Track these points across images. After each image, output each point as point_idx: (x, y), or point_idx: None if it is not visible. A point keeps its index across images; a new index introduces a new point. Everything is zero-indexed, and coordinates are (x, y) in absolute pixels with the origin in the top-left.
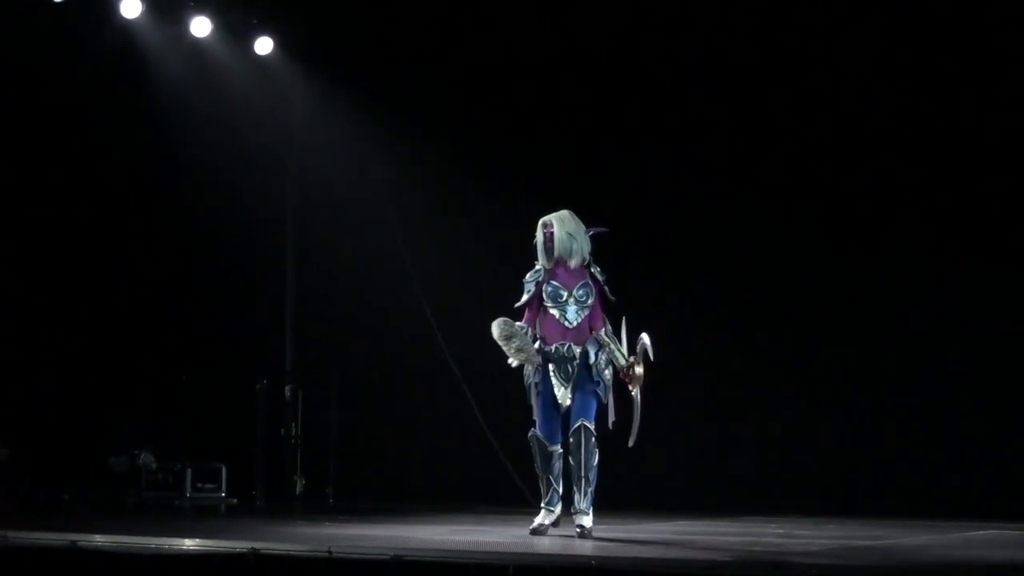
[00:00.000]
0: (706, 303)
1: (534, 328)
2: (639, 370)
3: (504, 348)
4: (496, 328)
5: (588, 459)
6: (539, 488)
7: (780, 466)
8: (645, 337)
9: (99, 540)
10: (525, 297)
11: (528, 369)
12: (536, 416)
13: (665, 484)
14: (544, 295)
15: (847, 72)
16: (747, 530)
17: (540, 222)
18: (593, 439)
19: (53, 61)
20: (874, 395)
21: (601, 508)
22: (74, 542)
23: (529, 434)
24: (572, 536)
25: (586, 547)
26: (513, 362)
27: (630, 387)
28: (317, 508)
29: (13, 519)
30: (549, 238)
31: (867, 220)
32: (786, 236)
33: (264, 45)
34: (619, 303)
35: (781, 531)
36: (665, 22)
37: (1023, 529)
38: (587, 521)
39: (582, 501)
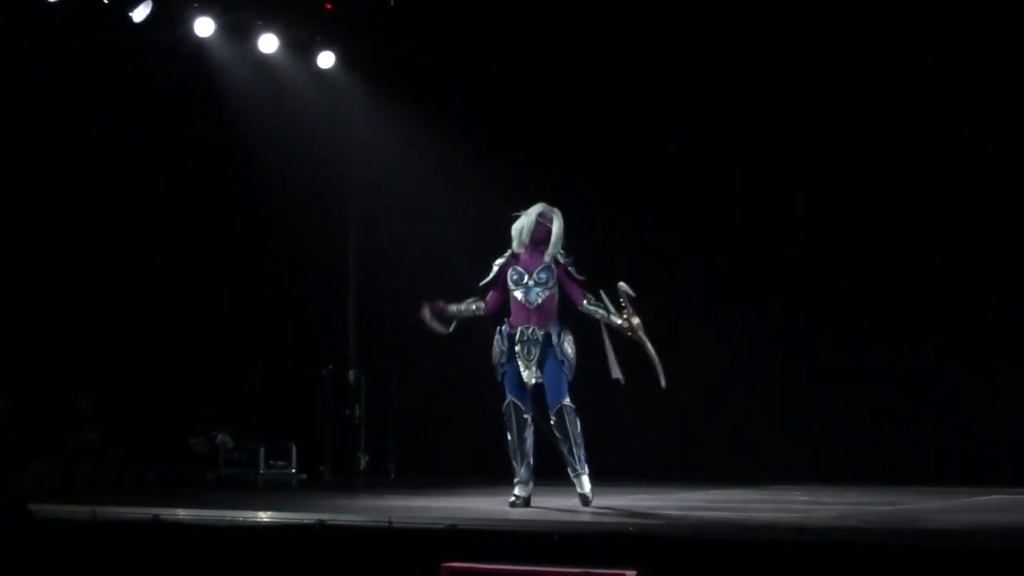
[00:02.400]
0: (726, 275)
1: (487, 306)
2: (635, 320)
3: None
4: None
5: (574, 431)
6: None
7: (804, 437)
8: (622, 284)
9: (180, 514)
10: (488, 278)
11: (495, 350)
12: (507, 393)
13: (692, 455)
14: (508, 279)
15: (828, 57)
16: (773, 497)
17: (537, 211)
18: (573, 413)
19: (129, 77)
20: (890, 370)
21: (629, 478)
22: (157, 516)
23: (504, 404)
24: (575, 505)
25: (621, 515)
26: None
27: (636, 336)
28: (379, 483)
29: (102, 496)
30: (543, 229)
31: (870, 193)
32: (796, 208)
33: (326, 59)
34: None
35: (805, 498)
36: (665, 17)
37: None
38: (587, 486)
39: (578, 464)
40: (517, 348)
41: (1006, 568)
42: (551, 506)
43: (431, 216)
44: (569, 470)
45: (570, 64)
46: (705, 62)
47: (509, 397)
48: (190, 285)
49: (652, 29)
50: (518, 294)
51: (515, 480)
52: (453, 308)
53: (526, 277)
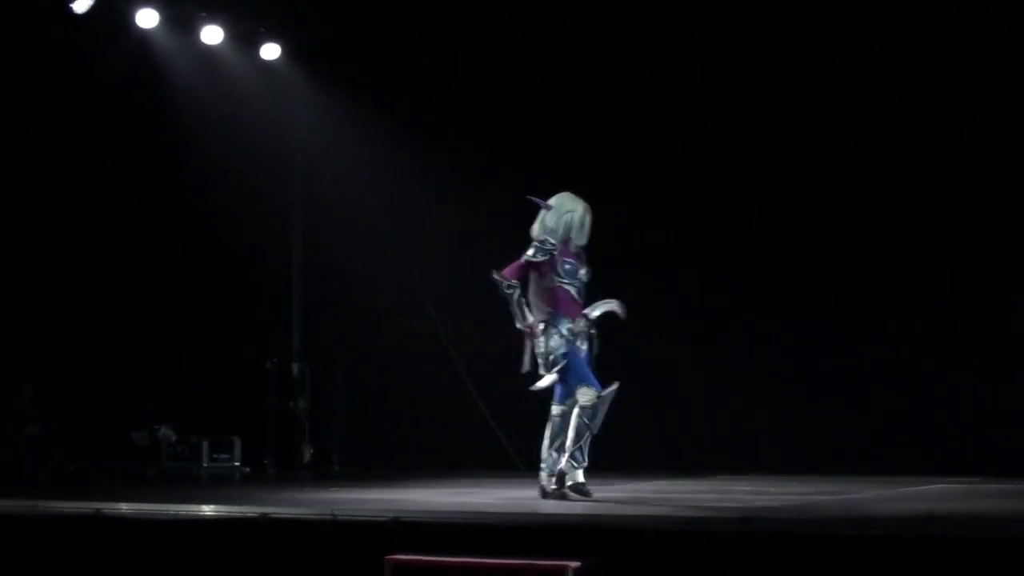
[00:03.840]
0: (669, 269)
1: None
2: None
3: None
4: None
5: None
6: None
7: (747, 429)
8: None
9: (123, 508)
10: (541, 257)
11: (554, 343)
12: (585, 379)
13: (635, 446)
14: (560, 270)
15: (827, 58)
16: (717, 488)
17: (583, 203)
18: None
19: (73, 69)
20: (832, 361)
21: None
22: (99, 510)
23: (597, 396)
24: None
25: (570, 507)
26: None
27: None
28: (323, 476)
29: (44, 489)
30: (583, 222)
31: (827, 190)
32: (752, 207)
33: (271, 51)
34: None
35: (749, 488)
36: (657, 16)
37: (967, 483)
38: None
39: (586, 456)
40: (576, 341)
41: (948, 555)
42: (497, 498)
43: (376, 208)
44: (573, 461)
45: (521, 55)
46: (687, 51)
47: (596, 392)
48: (133, 278)
49: (605, 16)
50: (571, 288)
51: (583, 464)
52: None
53: (580, 271)
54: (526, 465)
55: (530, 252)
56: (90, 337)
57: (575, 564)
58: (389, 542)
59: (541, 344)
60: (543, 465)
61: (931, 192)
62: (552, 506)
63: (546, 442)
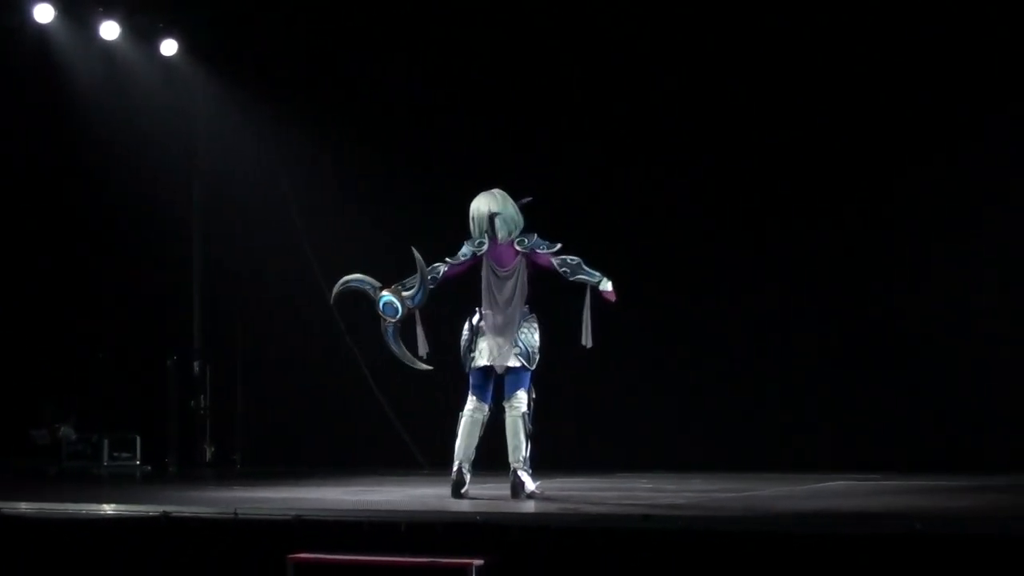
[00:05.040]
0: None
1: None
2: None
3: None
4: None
5: None
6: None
7: (647, 425)
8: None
9: (22, 507)
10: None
11: (537, 339)
12: (525, 384)
13: (537, 444)
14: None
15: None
16: (618, 485)
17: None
18: None
19: None
20: (734, 358)
21: (480, 467)
22: None
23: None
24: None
25: (467, 505)
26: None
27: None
28: (225, 474)
29: None
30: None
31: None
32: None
33: (169, 47)
34: None
35: (650, 485)
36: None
37: (872, 480)
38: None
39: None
40: None
41: (849, 552)
42: (401, 496)
43: (277, 205)
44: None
45: (424, 46)
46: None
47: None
48: (32, 273)
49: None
50: None
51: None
52: None
53: None
54: (429, 463)
55: (558, 246)
56: None
57: (479, 562)
58: (292, 541)
59: (527, 336)
60: (527, 467)
61: (818, 186)
62: (455, 504)
63: (522, 441)
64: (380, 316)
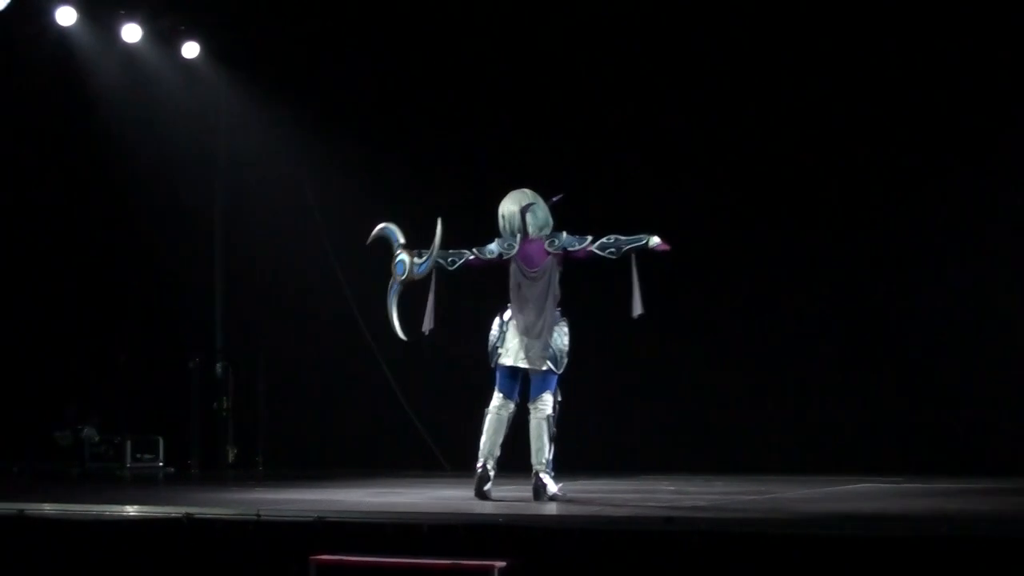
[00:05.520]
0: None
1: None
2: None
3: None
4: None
5: None
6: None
7: (669, 427)
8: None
9: (46, 508)
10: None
11: (567, 343)
12: (551, 386)
13: (563, 447)
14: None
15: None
16: (640, 488)
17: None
18: None
19: None
20: (759, 360)
21: (503, 469)
22: (22, 511)
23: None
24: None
25: (490, 507)
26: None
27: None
28: (247, 475)
29: None
30: None
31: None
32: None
33: (191, 49)
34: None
35: (673, 488)
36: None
37: (895, 483)
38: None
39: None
40: None
41: (872, 555)
42: (422, 497)
43: (299, 207)
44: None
45: (443, 50)
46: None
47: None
48: (55, 277)
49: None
50: None
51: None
52: None
53: None
54: (452, 465)
55: (588, 237)
56: (12, 337)
57: (501, 564)
58: (314, 542)
59: (557, 339)
60: (549, 470)
61: (837, 190)
62: (477, 506)
63: (545, 443)
64: (391, 272)
